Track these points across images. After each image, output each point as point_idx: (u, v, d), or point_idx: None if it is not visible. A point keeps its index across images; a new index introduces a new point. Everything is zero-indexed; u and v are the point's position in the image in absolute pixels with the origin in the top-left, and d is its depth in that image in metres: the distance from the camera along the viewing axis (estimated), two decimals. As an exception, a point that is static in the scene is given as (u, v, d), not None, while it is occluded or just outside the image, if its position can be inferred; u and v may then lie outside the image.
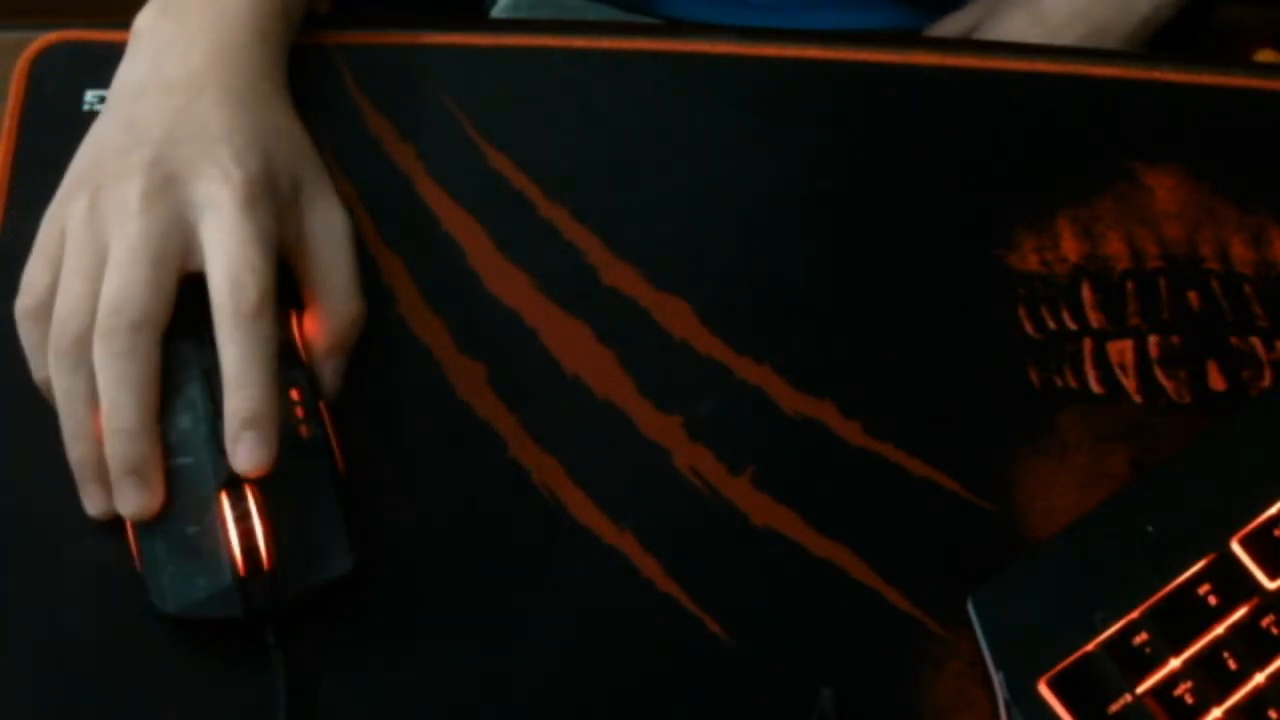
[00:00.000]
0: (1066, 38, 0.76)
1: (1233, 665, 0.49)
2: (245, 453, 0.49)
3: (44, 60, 0.62)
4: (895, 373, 0.57)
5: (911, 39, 0.78)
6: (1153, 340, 0.58)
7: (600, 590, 0.52)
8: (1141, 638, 0.50)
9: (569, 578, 0.53)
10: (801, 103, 0.63)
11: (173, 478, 0.50)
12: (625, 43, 0.64)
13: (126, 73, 0.57)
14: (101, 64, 0.59)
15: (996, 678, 0.50)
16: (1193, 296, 0.59)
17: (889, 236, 0.60)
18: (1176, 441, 0.55)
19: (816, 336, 0.58)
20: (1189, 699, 0.49)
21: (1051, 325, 0.58)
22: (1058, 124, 0.63)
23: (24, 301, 0.53)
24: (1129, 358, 0.57)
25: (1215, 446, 0.55)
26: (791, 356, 0.57)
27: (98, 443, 0.50)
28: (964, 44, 0.77)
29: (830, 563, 0.53)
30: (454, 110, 0.62)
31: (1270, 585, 0.51)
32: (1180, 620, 0.50)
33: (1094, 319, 0.58)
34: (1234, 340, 0.58)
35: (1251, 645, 0.50)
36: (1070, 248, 0.59)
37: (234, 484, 0.50)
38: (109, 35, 0.61)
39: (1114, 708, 0.49)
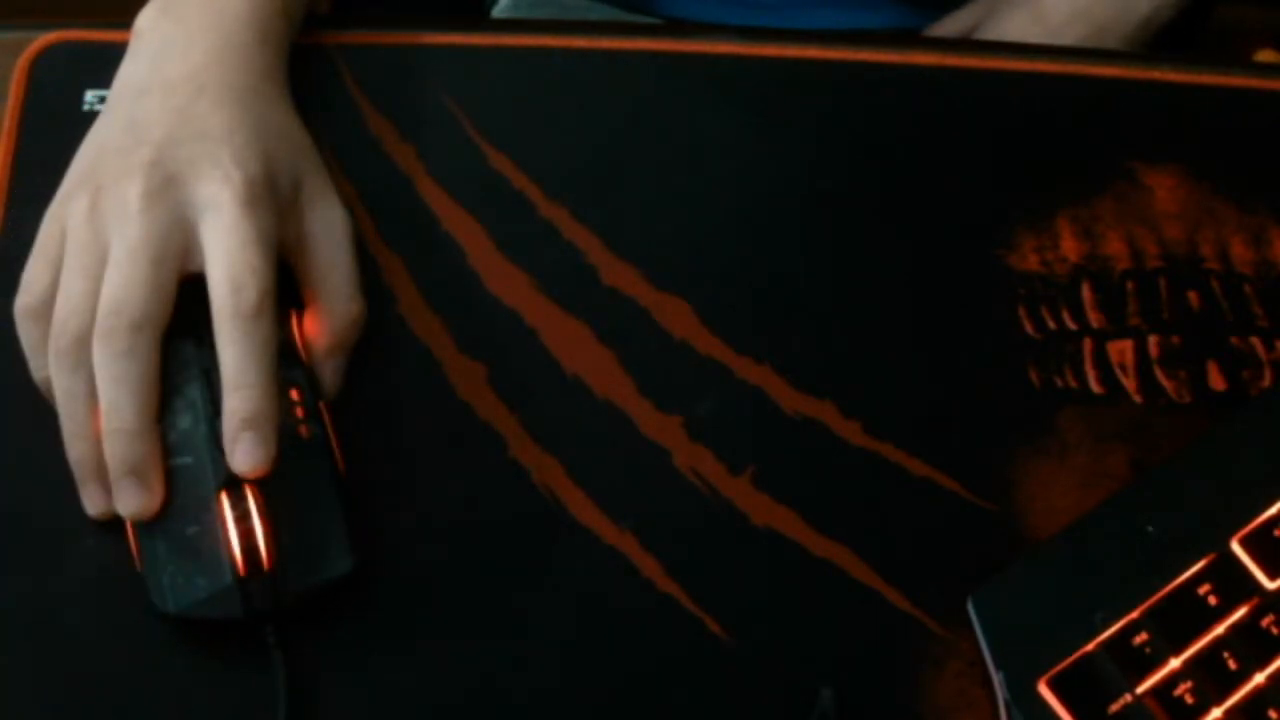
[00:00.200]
0: (1067, 37, 0.76)
1: (1233, 665, 0.49)
2: (244, 453, 0.49)
3: (44, 60, 0.62)
4: (895, 373, 0.57)
5: (911, 39, 0.78)
6: (1153, 340, 0.58)
7: (600, 590, 0.52)
8: (1141, 638, 0.50)
9: (569, 578, 0.53)
10: (801, 103, 0.63)
11: (173, 478, 0.50)
12: (625, 43, 0.64)
13: (127, 72, 0.57)
14: (101, 64, 0.59)
15: (996, 678, 0.50)
16: (1193, 296, 0.59)
17: (889, 236, 0.60)
18: (1176, 441, 0.55)
19: (816, 336, 0.58)
20: (1189, 699, 0.49)
21: (1051, 325, 0.58)
22: (1058, 124, 0.63)
23: (24, 300, 0.53)
24: (1129, 358, 0.57)
25: (1215, 446, 0.55)
26: (791, 356, 0.57)
27: (97, 442, 0.50)
28: (964, 44, 0.77)
29: (830, 563, 0.53)
30: (454, 110, 0.62)
31: (1270, 585, 0.51)
32: (1180, 620, 0.50)
33: (1094, 319, 0.58)
34: (1234, 340, 0.58)
35: (1251, 645, 0.50)
36: (1070, 248, 0.59)
37: (234, 484, 0.50)
38: (109, 35, 0.61)
39: (1114, 708, 0.49)
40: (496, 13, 0.90)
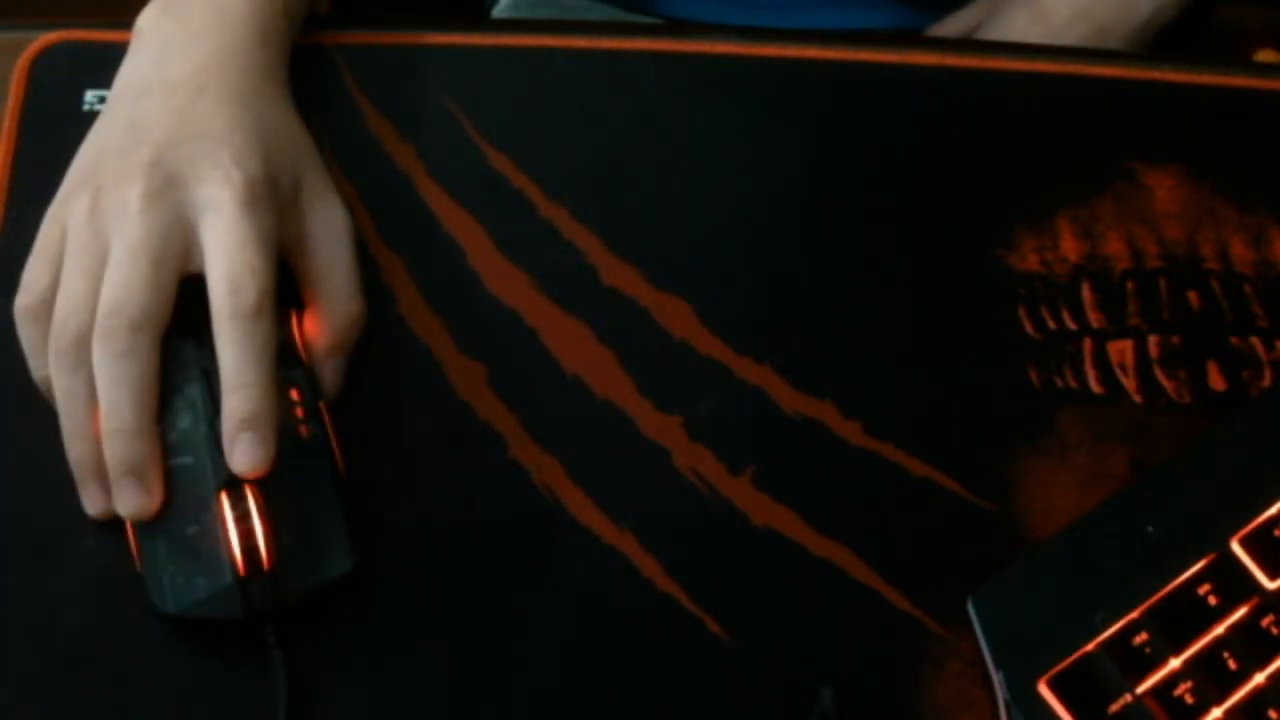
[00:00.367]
0: (1068, 38, 0.76)
1: (1233, 665, 0.49)
2: (242, 453, 0.49)
3: (44, 60, 0.62)
4: (895, 373, 0.57)
5: (911, 39, 0.78)
6: (1153, 340, 0.58)
7: (600, 590, 0.52)
8: (1141, 638, 0.50)
9: (569, 578, 0.53)
10: (801, 103, 0.63)
11: (173, 478, 0.50)
12: (625, 43, 0.64)
13: (128, 72, 0.57)
14: (101, 64, 0.59)
15: (996, 678, 0.50)
16: (1193, 296, 0.59)
17: (889, 236, 0.60)
18: (1176, 441, 0.55)
19: (816, 336, 0.58)
20: (1189, 699, 0.49)
21: (1051, 325, 0.58)
22: (1058, 124, 0.63)
23: (24, 299, 0.53)
24: (1129, 358, 0.57)
25: (1215, 446, 0.54)
26: (791, 356, 0.57)
27: (97, 442, 0.50)
28: (964, 44, 0.77)
29: (830, 563, 0.53)
30: (454, 110, 0.62)
31: (1270, 585, 0.51)
32: (1180, 620, 0.50)
33: (1094, 319, 0.58)
34: (1234, 340, 0.58)
35: (1251, 645, 0.50)
36: (1070, 248, 0.59)
37: (234, 484, 0.50)
38: (109, 35, 0.61)
39: (1114, 708, 0.49)
40: (496, 13, 0.90)
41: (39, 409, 0.52)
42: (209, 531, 0.49)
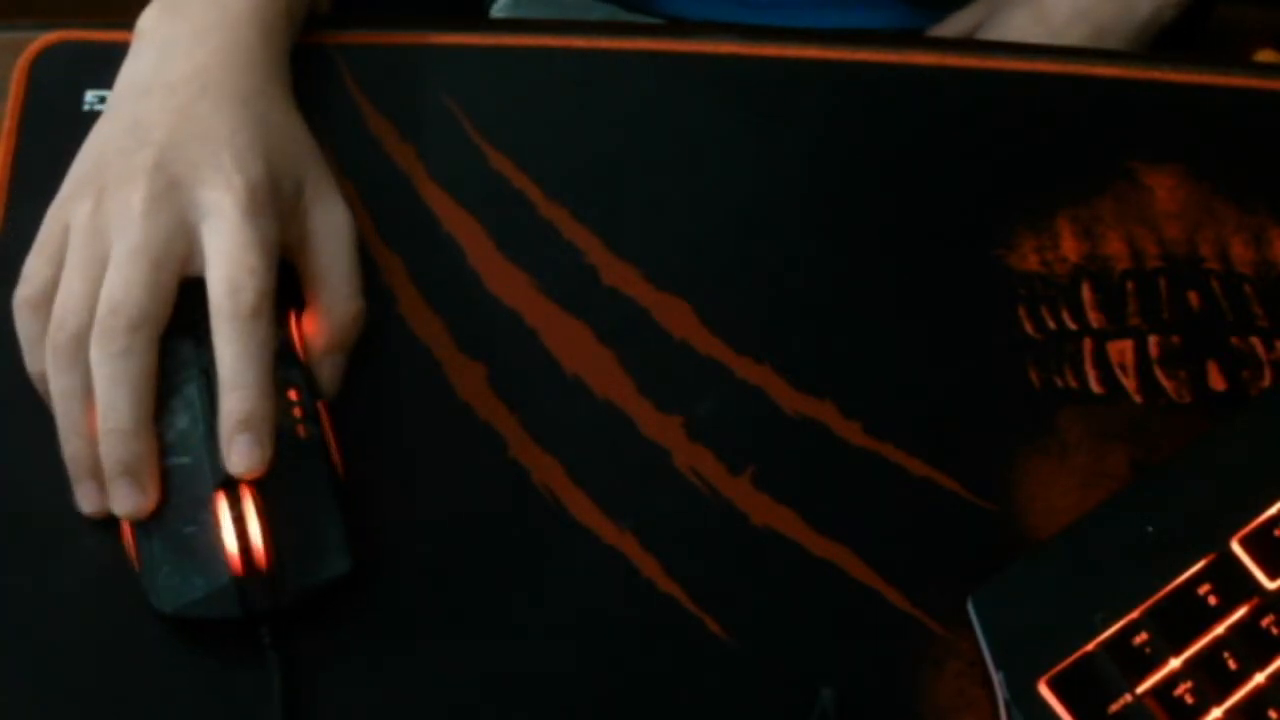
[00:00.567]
0: (1068, 38, 0.76)
1: (1233, 665, 0.49)
2: (239, 454, 0.49)
3: (44, 60, 0.62)
4: (895, 373, 0.57)
5: (911, 39, 0.78)
6: (1153, 340, 0.58)
7: (600, 590, 0.52)
8: (1141, 638, 0.50)
9: (569, 578, 0.53)
10: (801, 103, 0.63)
11: (170, 477, 0.50)
12: (625, 43, 0.64)
13: (130, 72, 0.57)
14: (102, 64, 0.59)
15: (996, 678, 0.50)
16: (1193, 296, 0.59)
17: (889, 236, 0.60)
18: (1176, 441, 0.55)
19: (816, 336, 0.57)
20: (1189, 699, 0.49)
21: (1051, 325, 0.58)
22: (1058, 124, 0.62)
23: (23, 292, 0.53)
24: (1129, 358, 0.57)
25: (1215, 446, 0.54)
26: (791, 356, 0.57)
27: (92, 441, 0.50)
28: (964, 44, 0.77)
29: (830, 563, 0.53)
30: (454, 110, 0.62)
31: (1270, 585, 0.51)
32: (1180, 620, 0.50)
33: (1094, 319, 0.58)
34: (1234, 340, 0.58)
35: (1251, 645, 0.50)
36: (1070, 248, 0.59)
37: (231, 484, 0.50)
38: (109, 35, 0.61)
39: (1114, 708, 0.49)
40: (496, 13, 0.90)
41: (39, 409, 0.52)
42: (206, 531, 0.49)
